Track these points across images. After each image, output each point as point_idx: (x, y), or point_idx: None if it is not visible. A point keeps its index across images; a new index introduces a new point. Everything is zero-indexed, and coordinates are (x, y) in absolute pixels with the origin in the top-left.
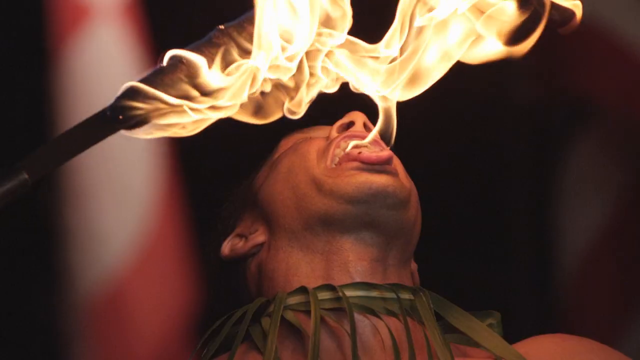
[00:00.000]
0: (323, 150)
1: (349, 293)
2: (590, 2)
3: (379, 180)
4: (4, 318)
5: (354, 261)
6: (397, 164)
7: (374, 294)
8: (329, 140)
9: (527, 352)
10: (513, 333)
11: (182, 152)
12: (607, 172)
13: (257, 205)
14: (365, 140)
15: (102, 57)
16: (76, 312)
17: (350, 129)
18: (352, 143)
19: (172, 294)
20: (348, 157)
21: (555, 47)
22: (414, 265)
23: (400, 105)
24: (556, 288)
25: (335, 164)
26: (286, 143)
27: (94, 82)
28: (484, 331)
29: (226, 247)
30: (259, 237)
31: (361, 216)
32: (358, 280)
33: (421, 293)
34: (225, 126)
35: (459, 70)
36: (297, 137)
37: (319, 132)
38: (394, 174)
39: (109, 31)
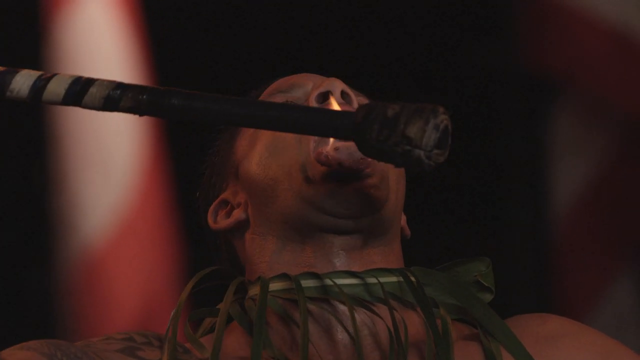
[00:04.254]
0: None
1: (334, 282)
2: None
3: (358, 188)
4: None
5: (336, 251)
6: None
7: (357, 281)
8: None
9: None
10: (505, 283)
11: (168, 121)
12: (589, 136)
13: (238, 178)
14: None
15: (92, 32)
16: (61, 281)
17: (328, 101)
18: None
19: (155, 264)
20: (326, 160)
21: (532, 30)
22: (403, 219)
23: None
24: (549, 233)
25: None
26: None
27: (84, 58)
28: (472, 299)
29: (211, 218)
30: (241, 213)
31: (343, 223)
32: (341, 269)
33: (406, 273)
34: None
35: (456, 48)
36: (276, 98)
37: (299, 92)
38: (373, 174)
39: (99, 6)
